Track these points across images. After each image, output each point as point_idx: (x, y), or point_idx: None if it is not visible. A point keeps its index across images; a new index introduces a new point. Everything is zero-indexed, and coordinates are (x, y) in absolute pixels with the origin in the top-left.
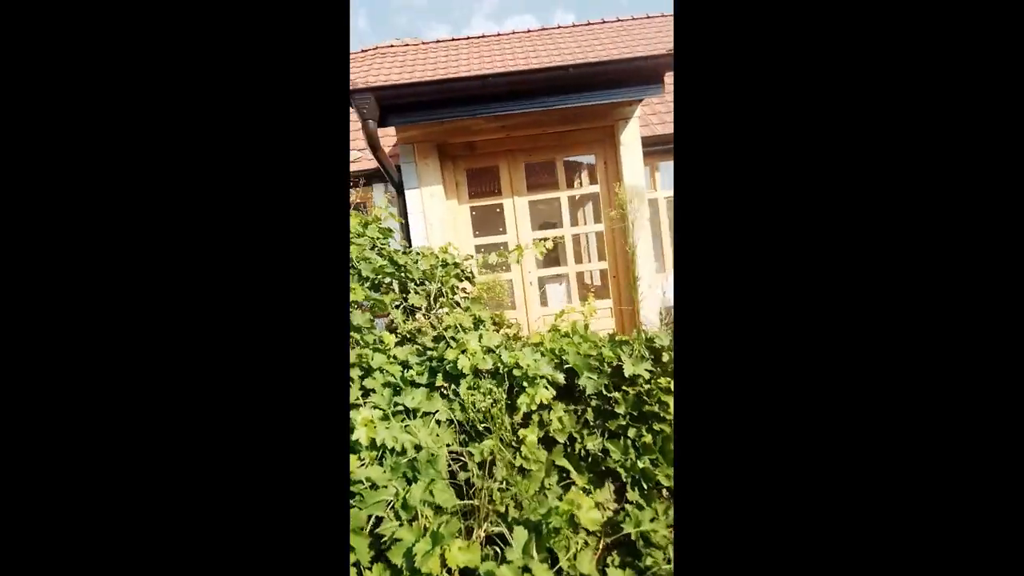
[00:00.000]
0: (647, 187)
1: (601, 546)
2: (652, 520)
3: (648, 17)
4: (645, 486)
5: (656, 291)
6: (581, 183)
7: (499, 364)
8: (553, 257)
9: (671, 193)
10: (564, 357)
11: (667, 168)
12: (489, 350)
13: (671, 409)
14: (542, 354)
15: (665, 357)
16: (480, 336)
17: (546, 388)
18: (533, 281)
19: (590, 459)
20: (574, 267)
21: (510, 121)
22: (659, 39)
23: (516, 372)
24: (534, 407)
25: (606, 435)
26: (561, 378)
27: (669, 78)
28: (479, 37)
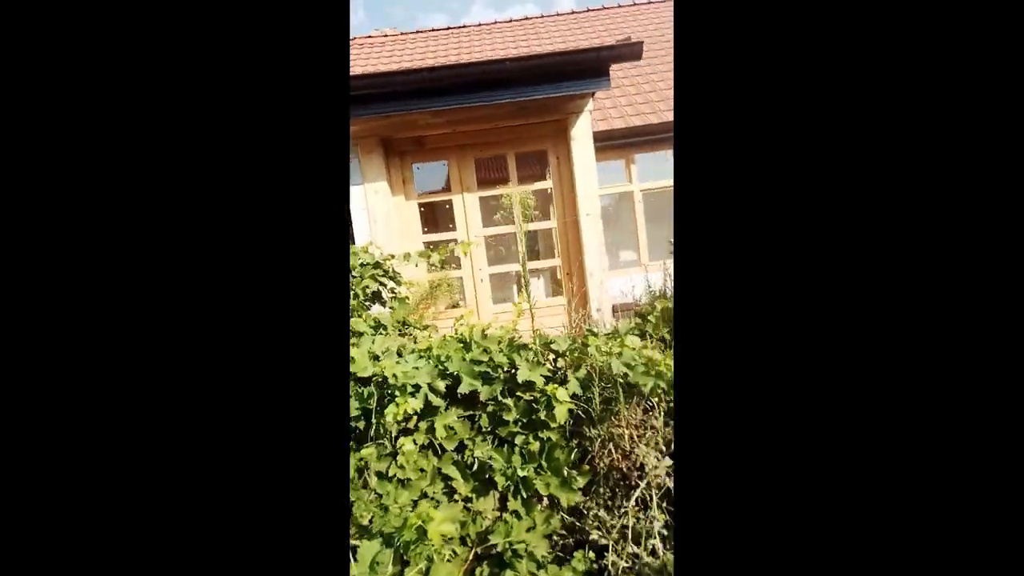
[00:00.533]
0: (623, 180)
1: (471, 557)
2: (529, 530)
3: (650, 2)
4: (524, 494)
5: (606, 287)
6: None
7: (375, 373)
8: (535, 252)
9: (647, 185)
10: (447, 364)
11: (643, 160)
12: (375, 357)
13: (556, 415)
14: (427, 360)
15: (561, 362)
16: (373, 341)
17: (427, 396)
18: (484, 278)
19: (476, 466)
20: (528, 264)
21: (456, 116)
22: (651, 25)
23: (391, 381)
24: (400, 417)
25: (496, 442)
26: (442, 386)
27: (628, 69)
28: (459, 28)
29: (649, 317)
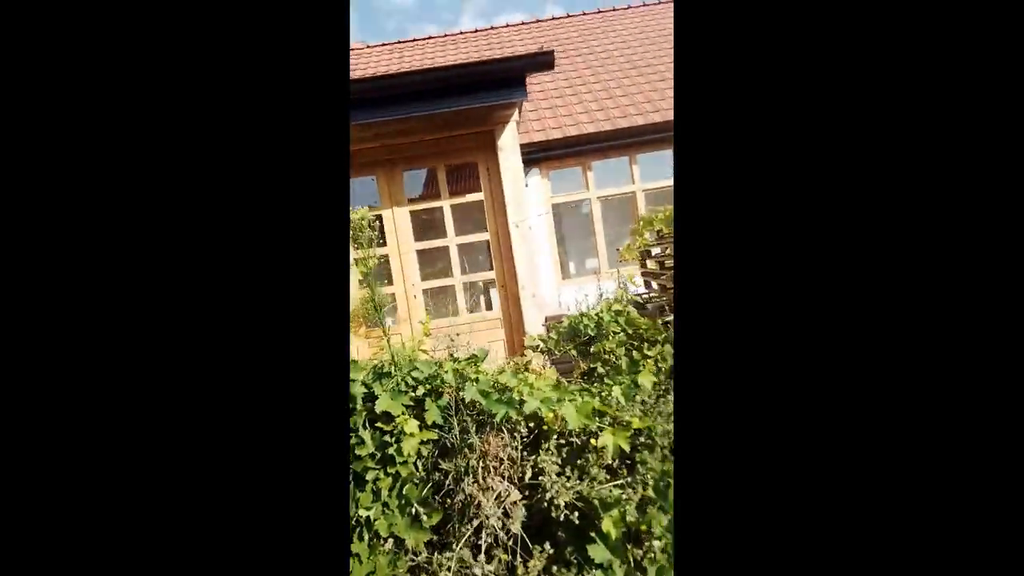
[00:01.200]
0: (582, 188)
1: None
2: (369, 575)
3: (644, 4)
4: (367, 536)
5: (539, 300)
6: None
7: None
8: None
9: (603, 192)
10: None
11: (600, 168)
12: None
13: (404, 449)
14: None
15: (420, 390)
16: None
17: None
18: (417, 293)
19: None
20: (460, 277)
21: (381, 129)
22: (650, 30)
23: None
24: None
25: (352, 478)
26: None
27: (588, 77)
28: (427, 38)
29: (551, 333)
